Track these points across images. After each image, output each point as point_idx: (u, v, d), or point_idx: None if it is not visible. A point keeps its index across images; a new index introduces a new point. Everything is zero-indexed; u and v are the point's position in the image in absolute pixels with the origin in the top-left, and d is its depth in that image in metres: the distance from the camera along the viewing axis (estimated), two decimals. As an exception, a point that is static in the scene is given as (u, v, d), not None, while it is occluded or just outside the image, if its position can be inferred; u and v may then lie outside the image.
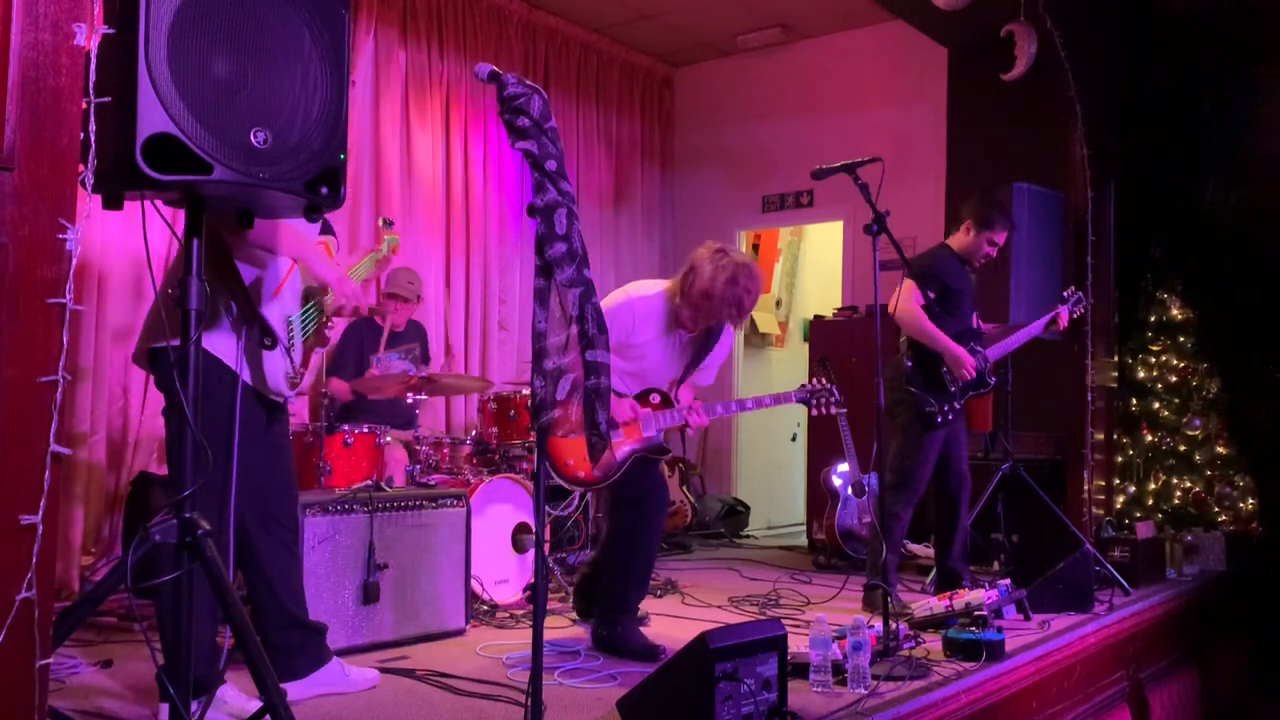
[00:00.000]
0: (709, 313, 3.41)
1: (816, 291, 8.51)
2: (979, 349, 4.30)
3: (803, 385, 3.90)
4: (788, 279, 8.63)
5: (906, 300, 4.18)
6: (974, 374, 4.21)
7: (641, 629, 3.51)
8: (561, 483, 3.51)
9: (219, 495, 2.50)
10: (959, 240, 4.33)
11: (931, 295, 4.15)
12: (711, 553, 6.14)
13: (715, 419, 3.63)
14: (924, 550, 5.16)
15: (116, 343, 4.54)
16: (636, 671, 3.01)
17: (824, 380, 3.93)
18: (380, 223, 3.49)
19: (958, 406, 4.24)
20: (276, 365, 2.65)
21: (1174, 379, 5.73)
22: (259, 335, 2.56)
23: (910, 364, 4.21)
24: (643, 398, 3.56)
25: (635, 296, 3.51)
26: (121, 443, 4.55)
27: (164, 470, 4.51)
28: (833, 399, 3.82)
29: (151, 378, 2.99)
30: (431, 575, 3.59)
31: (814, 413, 3.90)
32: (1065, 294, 4.63)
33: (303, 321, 2.76)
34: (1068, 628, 3.77)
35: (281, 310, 2.64)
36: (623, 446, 3.45)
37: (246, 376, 2.59)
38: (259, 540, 2.74)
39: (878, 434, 3.58)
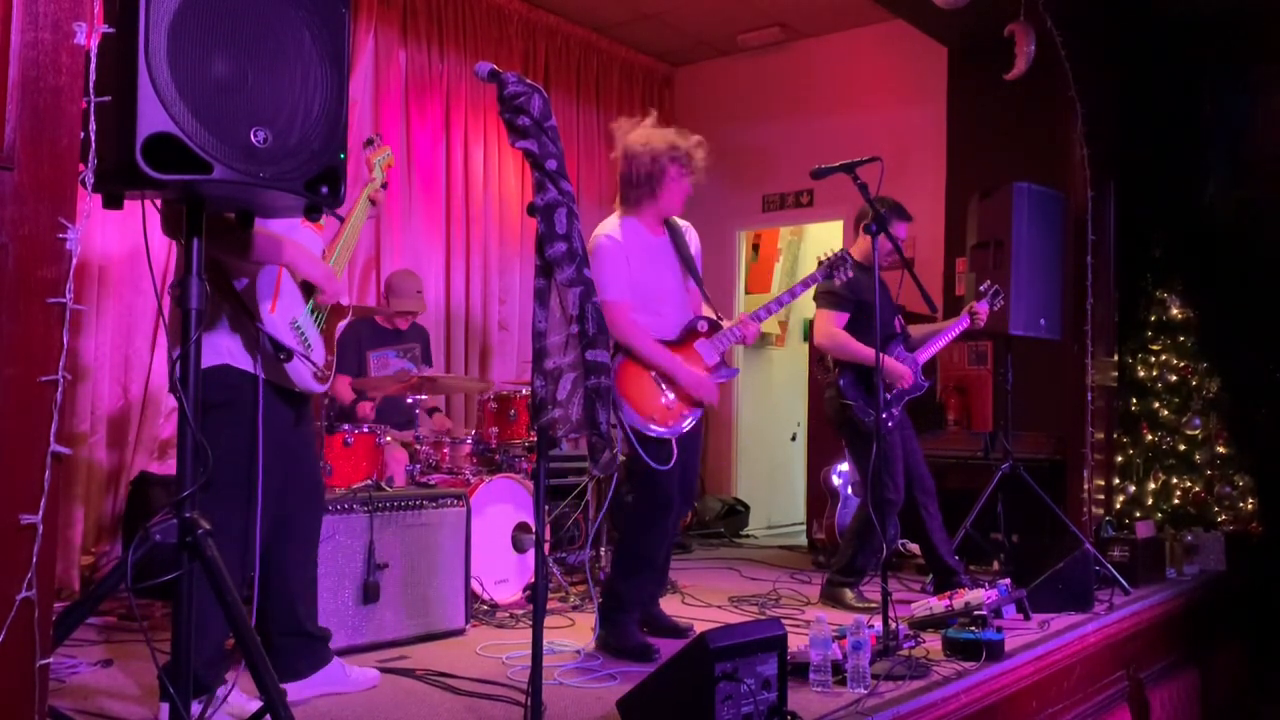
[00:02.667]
0: (665, 172, 3.36)
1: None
2: (906, 354, 4.31)
3: (819, 260, 3.79)
4: (788, 279, 8.62)
5: (828, 326, 4.20)
6: (913, 380, 4.23)
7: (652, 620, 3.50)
8: (638, 425, 3.36)
9: (245, 499, 2.53)
10: (861, 248, 4.28)
11: (848, 316, 4.18)
12: (711, 552, 6.14)
13: (732, 346, 3.55)
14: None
15: (116, 342, 4.54)
16: (636, 671, 3.01)
17: (833, 251, 3.78)
18: (364, 145, 3.15)
19: (896, 413, 4.26)
20: (299, 369, 2.67)
21: (1174, 379, 5.73)
22: (274, 350, 2.58)
23: (843, 381, 4.22)
24: (691, 332, 3.49)
25: (605, 234, 3.41)
26: (121, 443, 4.55)
27: (164, 470, 4.52)
28: (846, 264, 3.73)
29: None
30: (431, 575, 3.59)
31: (839, 281, 3.78)
32: (981, 288, 4.58)
33: (312, 315, 2.76)
34: (1067, 627, 3.77)
35: (285, 317, 2.63)
36: (686, 416, 3.39)
37: (270, 376, 2.62)
38: (274, 545, 2.74)
39: (876, 437, 3.58)
